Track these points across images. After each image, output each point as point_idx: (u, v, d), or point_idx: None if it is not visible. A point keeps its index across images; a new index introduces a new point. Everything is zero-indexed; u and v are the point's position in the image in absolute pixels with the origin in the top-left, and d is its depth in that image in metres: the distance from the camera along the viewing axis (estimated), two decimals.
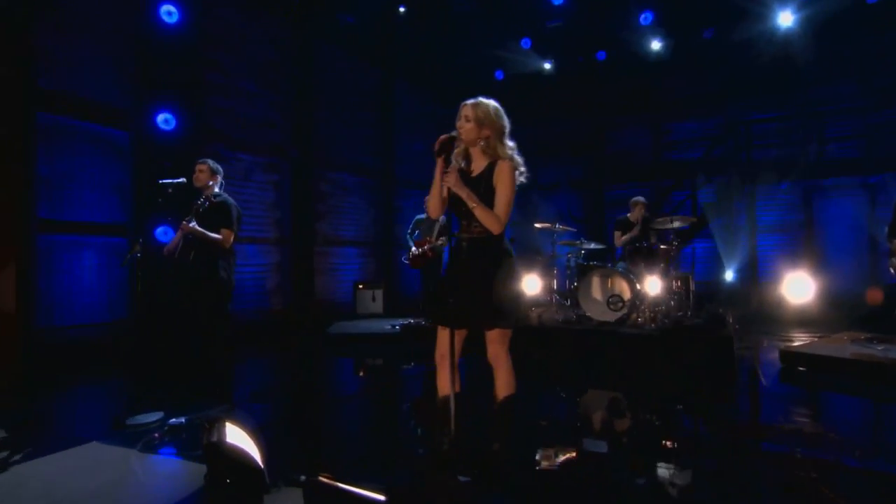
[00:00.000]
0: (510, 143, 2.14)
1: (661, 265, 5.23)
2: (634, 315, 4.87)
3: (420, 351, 5.27)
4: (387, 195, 8.47)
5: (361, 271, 7.87)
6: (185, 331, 2.80)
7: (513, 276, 2.15)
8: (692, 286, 5.14)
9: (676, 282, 4.98)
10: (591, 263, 5.33)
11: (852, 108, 6.84)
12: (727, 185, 7.89)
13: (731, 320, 4.96)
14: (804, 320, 6.57)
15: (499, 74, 8.73)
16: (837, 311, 6.51)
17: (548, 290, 5.95)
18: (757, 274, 7.62)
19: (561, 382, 4.06)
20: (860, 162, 6.93)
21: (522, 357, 4.82)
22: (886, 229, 3.84)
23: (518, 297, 2.17)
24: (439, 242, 5.88)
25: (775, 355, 4.60)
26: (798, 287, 6.80)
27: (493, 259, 2.13)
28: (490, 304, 2.09)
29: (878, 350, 4.05)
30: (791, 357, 4.14)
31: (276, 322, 6.36)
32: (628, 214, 5.62)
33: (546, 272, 8.87)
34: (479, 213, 2.07)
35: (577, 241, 5.63)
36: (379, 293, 7.06)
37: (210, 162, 3.32)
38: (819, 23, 6.32)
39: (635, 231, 5.43)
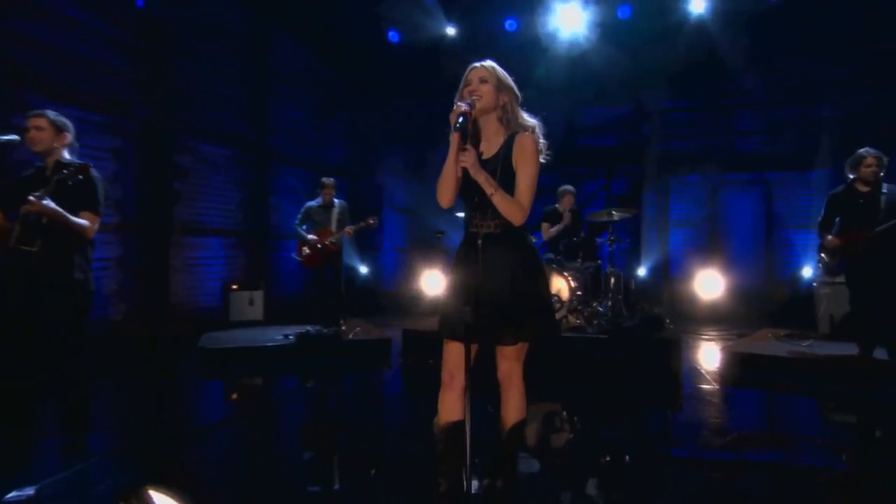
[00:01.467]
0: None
1: (597, 261, 5.72)
2: (573, 317, 5.22)
3: (325, 365, 5.08)
4: (261, 173, 7.90)
5: (231, 268, 7.24)
6: (25, 353, 2.28)
7: (540, 277, 2.13)
8: (632, 285, 5.69)
9: (611, 279, 5.46)
10: None
11: (757, 102, 8.22)
12: (642, 175, 8.91)
13: (668, 321, 5.62)
14: (716, 317, 7.76)
15: (393, 36, 8.67)
16: (744, 307, 7.80)
17: None
18: (669, 269, 8.75)
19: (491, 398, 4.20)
20: (762, 157, 8.37)
21: (426, 366, 4.78)
22: (818, 223, 4.69)
23: (549, 301, 2.15)
24: (349, 230, 5.67)
25: (712, 355, 5.35)
26: (708, 283, 8.00)
27: (517, 257, 2.09)
28: (515, 313, 2.06)
29: (805, 346, 4.94)
30: (732, 357, 4.83)
31: (120, 335, 5.54)
32: (556, 205, 6.00)
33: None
34: (499, 201, 2.01)
35: None
36: (258, 296, 6.62)
37: (50, 115, 2.76)
38: (727, 14, 7.48)
39: (566, 221, 5.77)
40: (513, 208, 2.02)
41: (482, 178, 2.00)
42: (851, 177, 4.49)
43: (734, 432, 3.32)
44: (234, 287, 6.69)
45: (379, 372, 5.08)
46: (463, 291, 2.01)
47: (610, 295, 5.40)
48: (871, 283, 4.31)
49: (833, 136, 7.60)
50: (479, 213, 2.07)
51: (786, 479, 2.70)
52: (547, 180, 9.79)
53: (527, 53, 8.17)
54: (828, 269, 4.66)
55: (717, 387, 4.41)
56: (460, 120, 1.95)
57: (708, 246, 8.48)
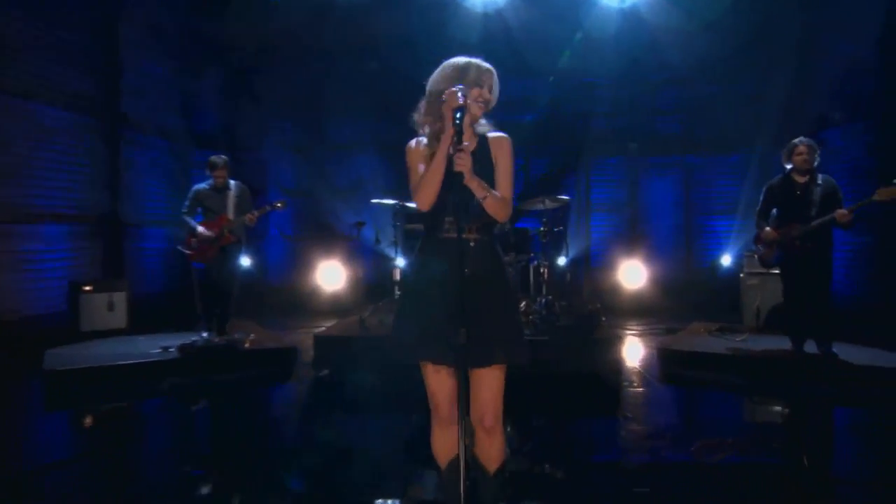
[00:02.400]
0: None
1: (529, 254, 5.84)
2: None
3: (219, 383, 4.71)
4: (111, 143, 7.08)
5: (80, 265, 6.48)
6: None
7: (513, 287, 2.27)
8: (567, 278, 5.88)
9: (543, 272, 5.61)
10: None
11: (678, 79, 8.82)
12: (563, 156, 9.24)
13: (603, 318, 5.90)
14: (640, 309, 8.31)
15: None
16: (667, 297, 8.43)
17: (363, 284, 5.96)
18: (590, 259, 9.21)
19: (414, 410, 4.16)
20: (682, 139, 9.04)
21: (344, 379, 4.68)
22: (756, 213, 5.13)
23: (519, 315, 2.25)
24: (251, 216, 5.30)
25: (649, 354, 5.70)
26: (631, 273, 8.54)
27: (501, 267, 2.21)
28: (506, 329, 2.12)
29: (740, 342, 5.41)
30: (669, 356, 5.18)
31: None
32: None
33: (353, 258, 8.98)
34: (491, 203, 2.10)
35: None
36: (120, 298, 6.05)
37: None
38: None
39: None
40: (503, 206, 2.13)
41: (475, 183, 2.06)
42: (788, 167, 4.95)
43: (688, 436, 3.55)
44: (87, 288, 6.06)
45: (287, 387, 4.83)
46: (447, 307, 1.98)
47: (544, 291, 5.54)
48: (805, 277, 4.80)
49: (752, 118, 8.38)
50: (453, 219, 2.09)
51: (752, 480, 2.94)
52: None
53: (436, 14, 8.07)
54: (763, 262, 5.14)
55: (660, 386, 4.71)
56: (458, 115, 1.98)
57: (629, 233, 9.04)
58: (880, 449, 3.64)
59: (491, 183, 2.13)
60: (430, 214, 2.15)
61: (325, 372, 5.07)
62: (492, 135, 2.21)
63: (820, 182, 4.84)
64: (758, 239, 5.11)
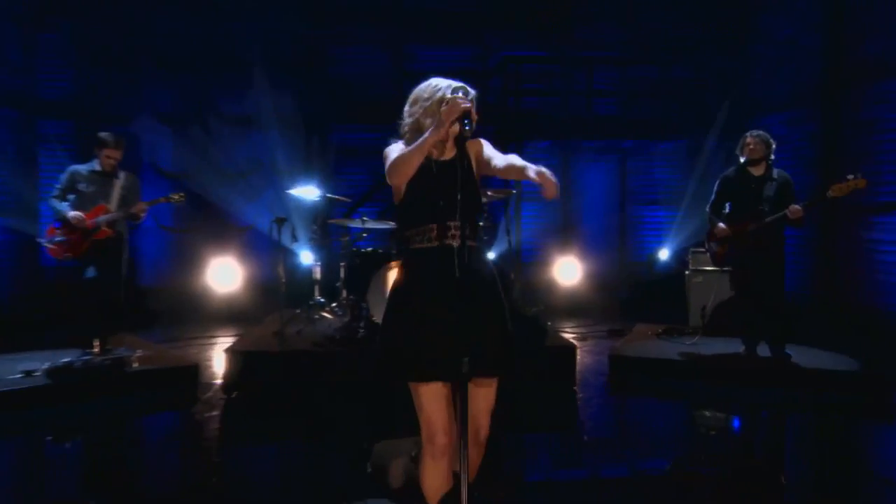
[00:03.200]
0: None
1: None
2: None
3: (105, 412, 4.48)
4: None
5: None
6: None
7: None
8: (512, 277, 5.96)
9: None
10: (380, 251, 5.57)
11: (615, 57, 9.18)
12: (492, 138, 9.34)
13: (548, 323, 6.07)
14: (575, 308, 8.62)
15: None
16: (602, 295, 8.79)
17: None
18: (521, 252, 9.42)
19: (353, 434, 4.14)
20: (617, 122, 9.44)
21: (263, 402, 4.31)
22: (708, 207, 5.45)
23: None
24: (140, 208, 5.06)
25: (596, 359, 5.93)
26: (565, 270, 8.83)
27: (491, 271, 2.41)
28: (506, 339, 2.33)
29: (690, 345, 5.75)
30: (621, 363, 5.41)
31: None
32: None
33: (252, 255, 8.64)
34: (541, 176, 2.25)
35: (362, 219, 5.70)
36: None
37: None
38: None
39: None
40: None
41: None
42: (742, 160, 5.30)
43: (652, 450, 3.75)
44: None
45: (188, 415, 4.58)
46: (450, 322, 2.16)
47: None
48: (757, 276, 5.18)
49: (692, 102, 8.91)
50: (451, 221, 2.28)
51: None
52: (370, 140, 9.82)
53: None
54: (716, 260, 5.48)
55: (615, 397, 4.92)
56: (466, 122, 2.18)
57: (562, 225, 9.32)
58: (831, 458, 4.01)
59: (475, 188, 2.37)
60: (418, 220, 2.31)
61: (235, 394, 4.86)
62: (471, 140, 2.38)
63: (775, 177, 5.21)
64: (711, 235, 5.44)
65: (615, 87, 9.49)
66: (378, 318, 5.16)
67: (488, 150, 2.41)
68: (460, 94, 2.28)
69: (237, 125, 8.97)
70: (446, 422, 2.23)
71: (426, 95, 2.37)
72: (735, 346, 5.43)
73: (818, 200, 5.08)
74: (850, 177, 4.86)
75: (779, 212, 5.03)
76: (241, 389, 4.89)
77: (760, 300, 5.19)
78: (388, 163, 2.31)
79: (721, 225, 5.30)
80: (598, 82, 9.35)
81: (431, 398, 2.23)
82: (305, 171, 8.99)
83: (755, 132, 5.28)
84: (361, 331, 5.31)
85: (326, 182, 9.18)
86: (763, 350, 5.26)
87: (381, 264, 5.28)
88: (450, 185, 2.29)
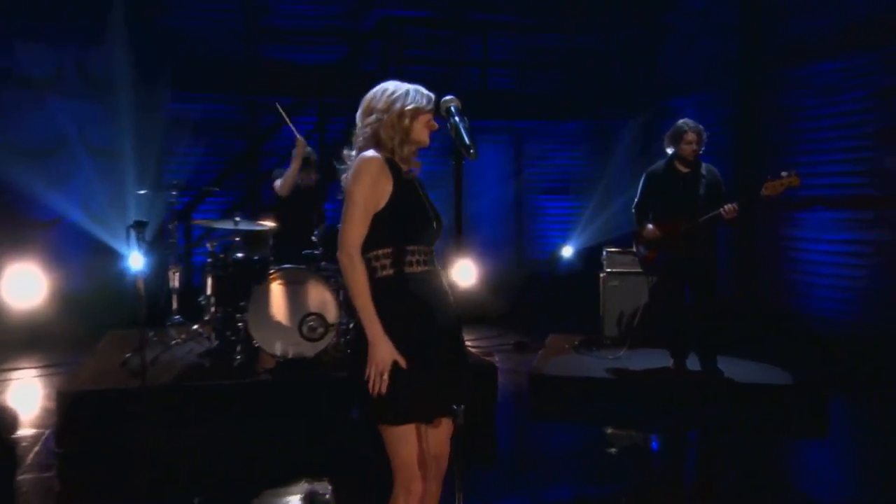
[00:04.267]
0: None
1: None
2: (342, 343, 5.36)
3: None
4: None
5: None
6: None
7: None
8: None
9: None
10: (255, 259, 5.43)
11: (512, 22, 9.34)
12: None
13: None
14: (471, 314, 8.75)
15: None
16: (500, 298, 9.00)
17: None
18: None
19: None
20: (513, 97, 9.68)
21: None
22: (634, 206, 5.72)
23: None
24: None
25: (510, 377, 6.08)
26: (458, 272, 8.90)
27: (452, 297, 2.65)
28: (467, 361, 2.64)
29: (613, 360, 6.06)
30: (542, 383, 5.60)
31: None
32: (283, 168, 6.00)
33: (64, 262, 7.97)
34: None
35: (234, 221, 5.47)
36: None
37: None
38: None
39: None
40: None
41: None
42: (670, 152, 5.61)
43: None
44: None
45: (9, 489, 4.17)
46: (449, 354, 2.48)
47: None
48: (689, 282, 5.55)
49: (597, 79, 9.32)
50: (431, 245, 2.55)
51: None
52: (221, 113, 9.38)
53: None
54: (646, 266, 5.79)
55: (538, 423, 5.09)
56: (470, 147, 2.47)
57: (451, 219, 9.42)
58: (766, 481, 4.39)
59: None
60: (415, 240, 2.47)
61: (72, 451, 4.47)
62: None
63: (704, 173, 5.58)
64: (639, 238, 5.73)
65: (511, 57, 9.72)
66: (262, 342, 5.03)
67: None
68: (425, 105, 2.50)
69: (35, 89, 8.26)
70: (426, 461, 2.47)
71: (381, 106, 2.49)
72: (662, 360, 5.79)
73: (752, 199, 5.51)
74: (784, 174, 5.29)
75: (710, 210, 5.39)
76: (80, 445, 4.50)
77: (692, 308, 5.56)
78: (364, 180, 2.42)
79: (650, 226, 5.59)
80: (493, 51, 9.53)
81: (414, 439, 2.43)
82: (131, 151, 8.48)
83: (692, 123, 5.54)
84: (239, 357, 5.13)
85: (157, 166, 8.69)
86: (693, 363, 5.64)
87: (263, 275, 5.11)
88: (431, 204, 2.56)
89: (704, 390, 5.46)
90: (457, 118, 2.43)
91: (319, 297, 5.18)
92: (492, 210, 9.63)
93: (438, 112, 2.55)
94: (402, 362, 2.34)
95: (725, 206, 5.30)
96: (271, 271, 5.15)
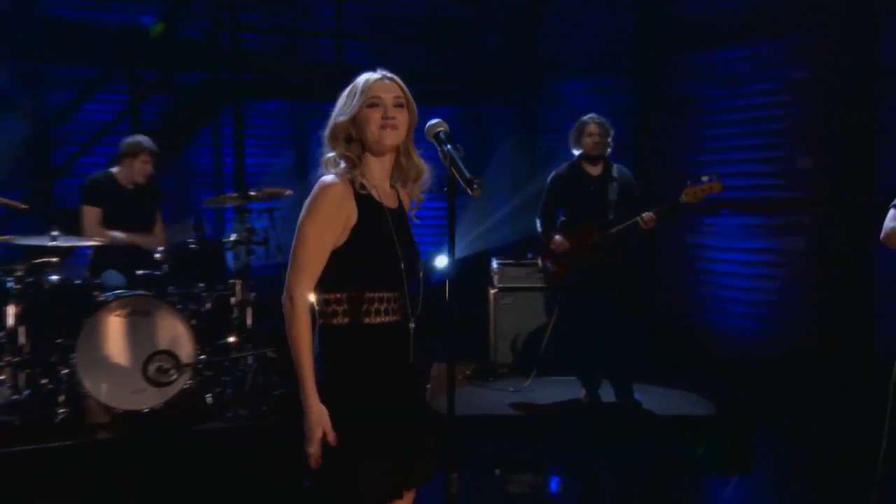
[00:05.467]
0: None
1: (223, 279, 5.72)
2: (199, 385, 5.28)
3: None
4: None
5: None
6: None
7: None
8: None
9: (235, 299, 5.67)
10: (76, 282, 5.20)
11: None
12: (202, 91, 8.94)
13: None
14: None
15: None
16: None
17: None
18: (249, 269, 9.13)
19: None
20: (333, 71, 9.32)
21: None
22: (539, 213, 5.90)
23: None
24: None
25: None
26: None
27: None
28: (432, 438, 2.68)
29: (515, 392, 6.23)
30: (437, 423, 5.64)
31: None
32: (118, 167, 5.79)
33: None
34: None
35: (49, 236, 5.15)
36: None
37: None
38: None
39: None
40: None
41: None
42: (576, 152, 5.86)
43: None
44: None
45: None
46: (397, 429, 2.50)
47: (247, 342, 5.56)
48: (603, 299, 5.81)
49: (467, 58, 9.44)
50: (400, 291, 2.55)
51: None
52: None
53: None
54: (553, 281, 5.99)
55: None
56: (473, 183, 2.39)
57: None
58: None
59: (418, 248, 2.71)
60: (377, 285, 2.49)
61: None
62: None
63: (616, 175, 5.87)
64: (545, 251, 5.93)
65: (368, 28, 9.72)
66: (94, 389, 4.84)
67: None
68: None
69: None
70: None
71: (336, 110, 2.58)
72: (572, 390, 6.03)
73: (671, 206, 5.85)
74: (705, 178, 5.66)
75: (624, 218, 5.68)
76: None
77: (606, 330, 5.82)
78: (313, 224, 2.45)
79: (558, 237, 5.80)
80: (347, 19, 9.49)
81: None
82: None
83: (596, 117, 5.82)
84: (61, 411, 4.88)
85: None
86: (607, 393, 5.91)
87: (95, 306, 4.88)
88: (408, 241, 2.59)
89: (621, 424, 5.73)
90: (449, 146, 2.42)
91: (170, 330, 5.09)
92: None
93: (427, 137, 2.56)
94: (330, 436, 2.37)
95: (643, 215, 5.58)
96: (106, 298, 4.98)
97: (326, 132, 2.54)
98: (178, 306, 5.22)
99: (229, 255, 5.78)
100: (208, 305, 5.57)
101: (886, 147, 6.62)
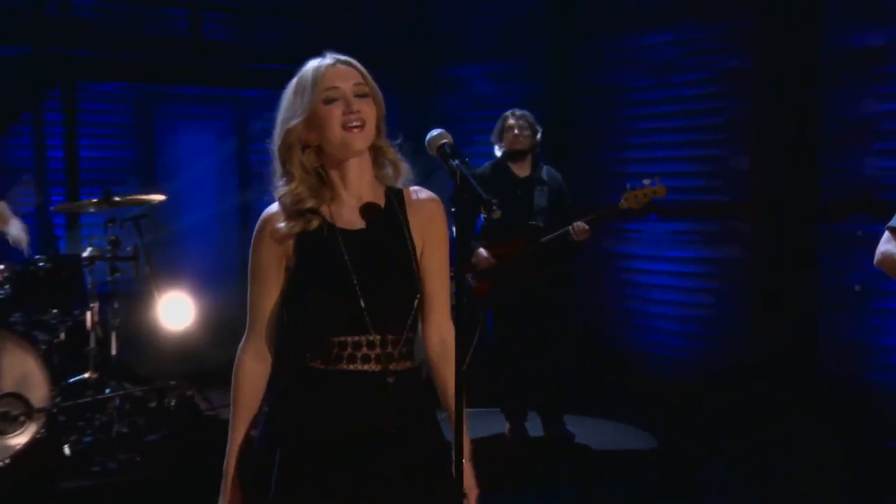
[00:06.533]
0: None
1: (85, 304, 5.56)
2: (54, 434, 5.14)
3: None
4: None
5: None
6: None
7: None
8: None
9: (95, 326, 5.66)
10: None
11: None
12: (19, 71, 8.56)
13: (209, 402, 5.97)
14: (198, 371, 8.38)
15: None
16: (222, 347, 8.73)
17: None
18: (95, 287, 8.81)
19: None
20: (235, 53, 9.42)
21: None
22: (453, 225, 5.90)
23: None
24: None
25: None
26: (173, 308, 8.51)
27: (430, 407, 2.58)
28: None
29: None
30: None
31: None
32: None
33: None
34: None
35: None
36: None
37: None
38: None
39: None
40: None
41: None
42: (499, 152, 5.94)
43: None
44: None
45: None
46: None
47: (110, 378, 5.58)
48: (529, 320, 5.88)
49: (344, 34, 9.37)
50: (383, 328, 2.41)
51: None
52: None
53: None
54: (478, 299, 6.04)
55: None
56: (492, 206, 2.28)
57: (156, 228, 8.99)
58: None
59: (406, 276, 2.51)
60: (339, 329, 2.38)
61: None
62: (415, 191, 2.62)
63: (546, 178, 5.98)
64: (467, 266, 5.97)
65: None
66: None
67: (439, 236, 2.60)
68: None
69: None
70: None
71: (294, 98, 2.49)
72: (495, 423, 6.08)
73: (609, 213, 5.99)
74: (647, 181, 5.85)
75: (557, 227, 5.78)
76: None
77: (535, 355, 5.90)
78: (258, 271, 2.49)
79: (481, 250, 5.85)
80: None
81: None
82: None
83: (518, 111, 5.93)
84: None
85: None
86: (535, 426, 6.00)
87: None
88: (379, 268, 2.45)
89: (553, 461, 5.82)
90: (457, 161, 2.32)
91: (16, 367, 5.00)
92: (209, 220, 9.38)
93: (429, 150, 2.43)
94: None
95: (575, 224, 5.71)
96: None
97: (277, 144, 2.48)
98: (26, 337, 5.13)
99: (87, 273, 5.70)
100: (62, 335, 5.50)
101: (831, 145, 6.82)
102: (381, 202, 2.53)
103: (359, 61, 2.45)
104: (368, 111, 2.42)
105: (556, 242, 5.79)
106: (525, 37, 8.83)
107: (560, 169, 6.16)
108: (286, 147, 2.44)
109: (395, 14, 9.43)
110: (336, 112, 2.37)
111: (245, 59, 9.58)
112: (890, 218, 3.68)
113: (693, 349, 7.80)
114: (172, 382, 6.39)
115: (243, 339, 2.43)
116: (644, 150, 7.98)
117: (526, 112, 5.98)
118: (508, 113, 5.94)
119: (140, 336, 7.97)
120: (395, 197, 2.55)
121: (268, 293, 2.41)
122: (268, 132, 8.44)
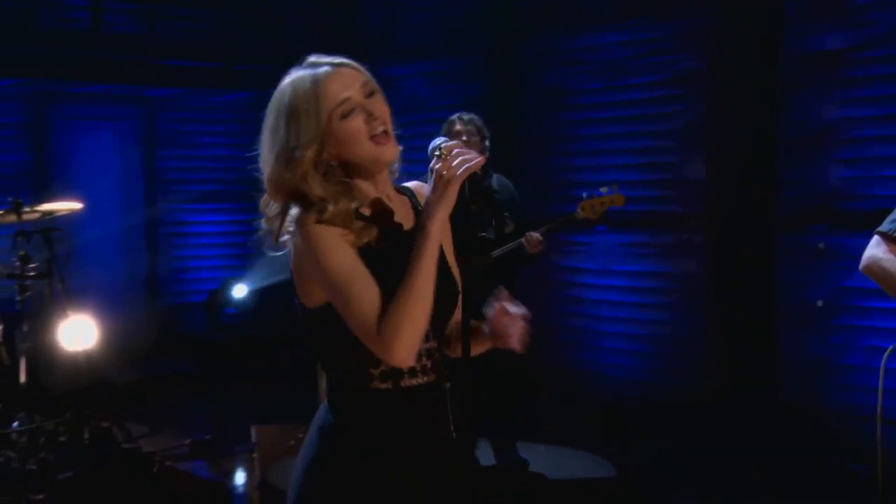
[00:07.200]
0: None
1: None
2: None
3: None
4: None
5: None
6: None
7: None
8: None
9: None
10: None
11: None
12: None
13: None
14: (91, 394, 8.31)
15: None
16: (129, 370, 8.68)
17: None
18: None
19: None
20: (141, 48, 9.31)
21: None
22: None
23: None
24: None
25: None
26: (74, 328, 8.41)
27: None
28: None
29: None
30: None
31: None
32: None
33: None
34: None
35: None
36: None
37: None
38: None
39: None
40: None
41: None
42: None
43: None
44: None
45: None
46: None
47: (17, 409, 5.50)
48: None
49: (262, 29, 9.34)
50: (438, 333, 2.43)
51: None
52: None
53: None
54: None
55: None
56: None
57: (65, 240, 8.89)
58: None
59: (453, 276, 2.59)
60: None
61: None
62: (422, 187, 2.54)
63: (496, 186, 6.08)
64: None
65: None
66: None
67: (447, 239, 2.60)
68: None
69: None
70: None
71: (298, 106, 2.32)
72: None
73: (564, 223, 6.12)
74: (604, 190, 5.99)
75: (508, 239, 5.88)
76: None
77: (485, 378, 6.00)
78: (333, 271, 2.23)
79: None
80: None
81: None
82: None
83: (466, 115, 6.01)
84: None
85: None
86: (486, 454, 6.09)
87: None
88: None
89: (506, 489, 5.92)
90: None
91: None
92: (113, 232, 9.29)
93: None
94: None
95: (530, 235, 5.82)
96: None
97: (283, 176, 2.26)
98: None
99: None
100: None
101: (790, 153, 6.99)
102: (407, 202, 2.53)
103: (281, 59, 2.36)
104: (384, 109, 2.34)
105: (509, 256, 5.89)
106: (464, 34, 8.89)
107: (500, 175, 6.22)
108: (300, 178, 2.24)
109: (321, 6, 9.45)
110: (358, 125, 2.28)
111: (153, 54, 9.49)
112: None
113: (646, 369, 7.93)
114: (87, 412, 6.30)
115: (372, 333, 2.17)
116: (592, 156, 8.09)
117: (474, 116, 6.03)
118: (455, 117, 5.96)
119: (52, 362, 7.88)
120: (411, 195, 2.56)
121: (375, 289, 2.19)
122: (178, 134, 8.61)
